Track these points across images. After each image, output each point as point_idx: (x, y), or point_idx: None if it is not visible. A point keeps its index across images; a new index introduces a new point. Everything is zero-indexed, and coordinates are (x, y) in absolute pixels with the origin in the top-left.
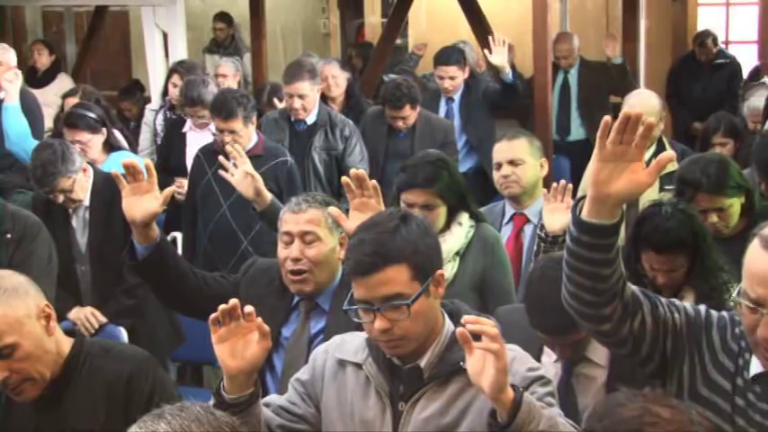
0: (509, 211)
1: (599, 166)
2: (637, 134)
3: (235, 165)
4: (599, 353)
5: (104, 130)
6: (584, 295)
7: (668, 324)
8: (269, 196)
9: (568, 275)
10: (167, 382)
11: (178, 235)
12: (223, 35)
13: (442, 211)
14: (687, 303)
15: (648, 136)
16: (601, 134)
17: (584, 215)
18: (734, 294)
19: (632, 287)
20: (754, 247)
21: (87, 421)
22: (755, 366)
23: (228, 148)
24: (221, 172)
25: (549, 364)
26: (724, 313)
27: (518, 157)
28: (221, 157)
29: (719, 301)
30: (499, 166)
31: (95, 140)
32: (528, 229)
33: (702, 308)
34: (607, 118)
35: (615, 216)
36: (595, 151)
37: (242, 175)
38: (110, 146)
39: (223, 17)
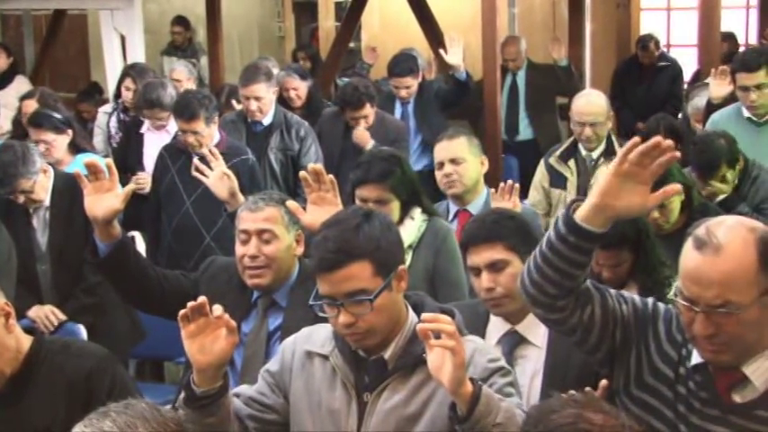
0: (453, 208)
1: (613, 180)
2: (657, 162)
3: (208, 165)
4: (537, 335)
5: (70, 131)
6: (549, 288)
7: (617, 315)
8: (242, 198)
9: (539, 266)
10: (127, 378)
11: (137, 234)
12: (181, 38)
13: (395, 206)
14: (635, 296)
15: (667, 166)
16: (626, 151)
17: (579, 217)
18: (670, 293)
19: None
20: (687, 247)
21: (47, 417)
22: (696, 357)
23: (204, 150)
24: (196, 174)
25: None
26: (671, 306)
27: (459, 155)
28: (196, 160)
29: (662, 295)
30: (441, 165)
31: (60, 141)
32: None
33: (650, 300)
34: (636, 139)
35: (606, 226)
36: (615, 165)
37: (218, 176)
38: (76, 147)
39: (181, 21)
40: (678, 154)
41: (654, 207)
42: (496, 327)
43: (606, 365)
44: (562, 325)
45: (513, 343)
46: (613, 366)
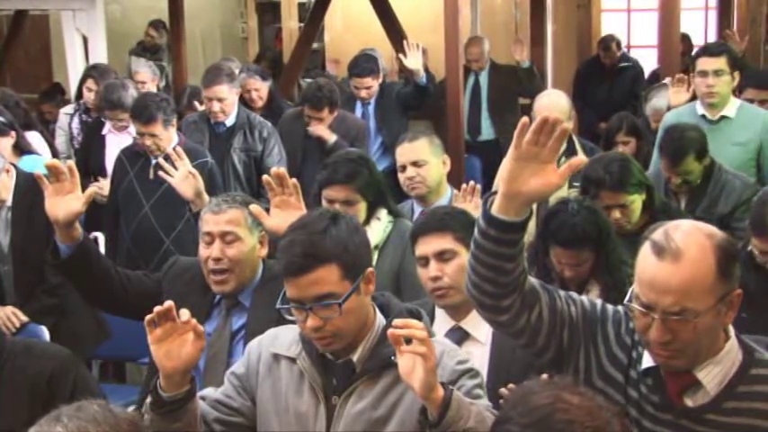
0: (417, 209)
1: (513, 164)
2: (552, 137)
3: (173, 164)
4: (481, 331)
5: (13, 133)
6: (487, 287)
7: (565, 316)
8: (207, 198)
9: (473, 266)
10: (89, 379)
11: (99, 234)
12: (153, 42)
13: (362, 207)
14: (584, 297)
15: (562, 140)
16: (518, 134)
17: (494, 210)
18: (626, 299)
19: (532, 280)
20: (644, 252)
21: (9, 419)
22: (647, 360)
23: (170, 150)
24: (161, 173)
25: None
26: (619, 308)
27: (420, 158)
28: (160, 159)
29: (623, 294)
30: (403, 168)
31: (3, 144)
32: None
33: (599, 302)
34: (525, 119)
35: (522, 214)
36: (511, 150)
37: (183, 176)
38: (20, 149)
39: (159, 25)
40: (567, 124)
41: (563, 183)
42: (441, 323)
43: (554, 367)
44: (510, 327)
45: (457, 339)
46: (561, 369)
